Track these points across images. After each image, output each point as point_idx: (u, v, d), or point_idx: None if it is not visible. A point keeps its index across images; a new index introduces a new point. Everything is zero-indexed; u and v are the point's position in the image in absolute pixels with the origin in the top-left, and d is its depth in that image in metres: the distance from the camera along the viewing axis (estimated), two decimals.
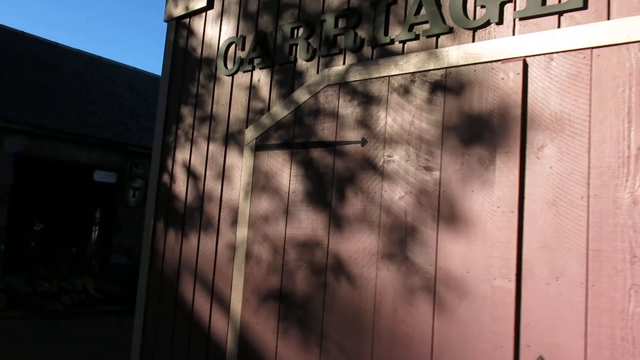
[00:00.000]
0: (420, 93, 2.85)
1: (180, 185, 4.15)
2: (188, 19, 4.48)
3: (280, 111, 3.53)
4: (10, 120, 11.05)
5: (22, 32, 15.31)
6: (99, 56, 17.31)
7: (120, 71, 17.26)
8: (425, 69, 2.83)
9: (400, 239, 2.79)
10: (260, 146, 3.58)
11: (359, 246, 2.95)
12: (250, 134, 3.68)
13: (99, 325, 8.83)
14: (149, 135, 14.15)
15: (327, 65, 3.37)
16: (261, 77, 3.76)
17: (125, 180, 13.13)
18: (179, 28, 4.54)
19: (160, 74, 4.73)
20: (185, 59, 4.41)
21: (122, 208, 13.17)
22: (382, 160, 2.94)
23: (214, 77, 4.12)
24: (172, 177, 4.25)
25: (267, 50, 3.75)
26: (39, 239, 10.98)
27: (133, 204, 13.00)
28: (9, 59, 13.23)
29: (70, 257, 11.42)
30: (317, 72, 3.41)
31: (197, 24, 4.40)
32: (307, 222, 3.21)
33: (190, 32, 4.44)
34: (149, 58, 57.03)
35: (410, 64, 2.91)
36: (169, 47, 4.56)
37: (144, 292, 4.26)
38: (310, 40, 3.49)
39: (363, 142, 3.03)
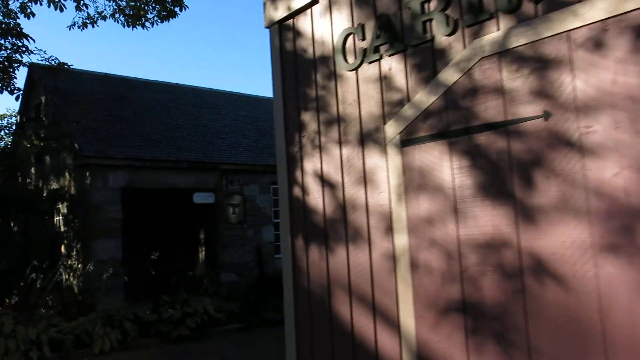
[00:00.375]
0: (619, 43, 2.32)
1: (316, 197, 3.83)
2: (292, 20, 4.17)
3: (425, 98, 3.11)
4: (113, 157, 11.44)
5: (104, 73, 15.99)
6: (176, 83, 17.76)
7: (198, 93, 17.61)
8: (623, 10, 2.29)
9: (623, 225, 2.27)
10: (406, 141, 3.17)
11: (564, 240, 2.46)
12: (391, 130, 3.28)
13: (229, 345, 8.87)
14: (237, 152, 14.25)
15: (476, 35, 2.90)
16: (392, 64, 3.35)
17: (223, 198, 13.27)
18: (283, 31, 4.24)
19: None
20: (297, 62, 4.09)
21: (223, 226, 13.31)
22: (579, 133, 2.43)
23: (333, 75, 3.77)
24: (304, 189, 3.95)
25: (394, 33, 3.34)
26: (154, 266, 11.28)
27: (234, 221, 13.10)
28: (97, 100, 13.78)
29: (185, 280, 11.64)
30: (465, 46, 2.94)
31: (303, 22, 4.07)
32: (486, 219, 2.76)
33: (297, 33, 4.12)
34: (212, 75, 58.59)
35: (597, 9, 2.38)
36: (276, 54, 4.27)
37: (292, 314, 3.99)
38: (448, 12, 3.04)
39: (546, 115, 2.54)
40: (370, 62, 3.49)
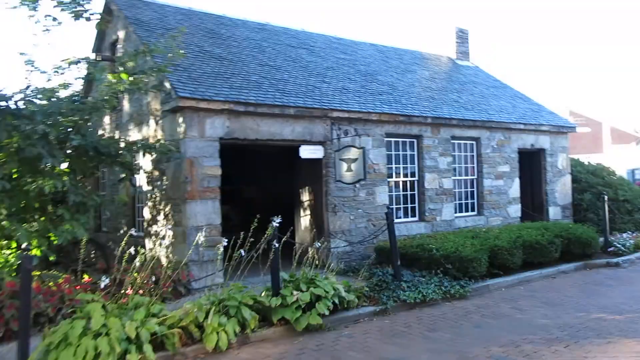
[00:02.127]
0: None
1: None
2: None
3: None
4: (211, 100, 9.32)
5: (188, 7, 13.86)
6: (265, 22, 15.45)
7: (291, 34, 15.23)
8: None
9: None
10: None
11: None
12: None
13: (375, 338, 6.72)
14: (346, 97, 11.84)
15: None
16: None
17: (334, 152, 10.98)
18: None
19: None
20: None
21: (333, 186, 11.08)
22: None
23: None
24: None
25: None
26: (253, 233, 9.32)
27: (349, 180, 10.81)
28: (186, 35, 11.66)
29: (291, 251, 9.56)
30: None
31: None
32: None
33: None
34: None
35: None
36: None
37: None
38: None
39: None
40: None
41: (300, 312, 7.12)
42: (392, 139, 12.31)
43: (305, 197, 11.87)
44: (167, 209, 9.92)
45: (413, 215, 12.83)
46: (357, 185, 11.40)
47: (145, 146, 8.92)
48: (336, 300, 7.61)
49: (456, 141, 13.54)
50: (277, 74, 11.69)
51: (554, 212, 15.84)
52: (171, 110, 9.53)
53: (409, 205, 12.79)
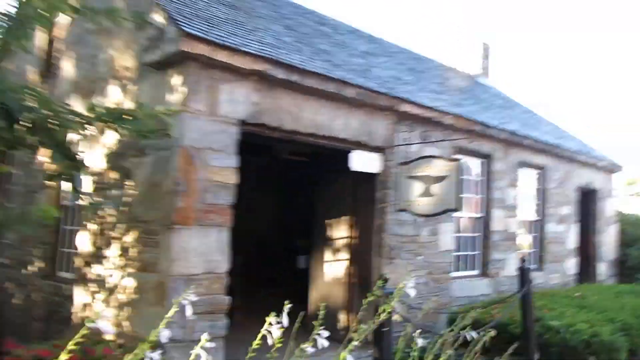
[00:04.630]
0: None
1: None
2: None
3: None
4: (234, 50, 5.25)
5: None
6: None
7: (313, 15, 11.38)
8: None
9: None
10: None
11: None
12: None
13: None
14: (409, 90, 8.08)
15: None
16: None
17: (398, 165, 7.08)
18: None
19: None
20: None
21: (392, 218, 7.19)
22: None
23: None
24: None
25: None
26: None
27: (426, 210, 6.84)
28: None
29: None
30: None
31: None
32: None
33: None
34: None
35: None
36: None
37: None
38: None
39: None
40: None
41: None
42: (461, 156, 8.63)
43: (337, 231, 7.83)
44: (128, 238, 5.55)
45: (473, 268, 9.11)
46: (420, 219, 7.56)
47: (113, 114, 4.55)
48: None
49: (521, 169, 10.08)
50: (312, 42, 7.75)
51: (601, 270, 12.75)
52: (160, 63, 5.30)
53: (468, 253, 9.07)
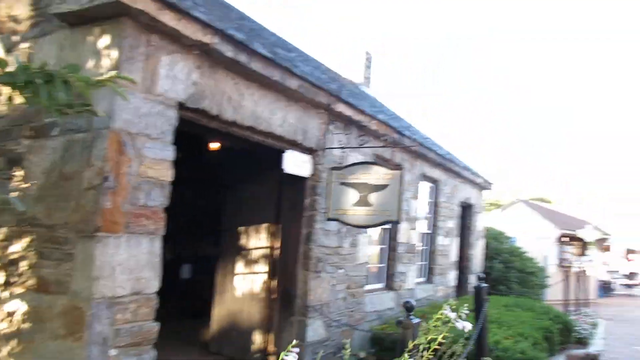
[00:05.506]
0: None
1: None
2: None
3: None
4: (181, 12, 4.19)
5: None
6: None
7: None
8: None
9: None
10: None
11: None
12: None
13: None
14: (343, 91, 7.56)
15: None
16: None
17: (330, 170, 6.47)
18: None
19: None
20: None
21: (320, 227, 6.56)
22: None
23: None
24: None
25: None
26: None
27: (363, 221, 6.28)
28: None
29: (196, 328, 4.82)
30: None
31: None
32: None
33: None
34: None
35: None
36: None
37: None
38: None
39: None
40: None
41: None
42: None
43: (255, 240, 6.95)
44: (16, 247, 4.12)
45: (378, 281, 8.84)
46: (343, 229, 7.04)
47: (28, 74, 3.23)
48: None
49: (422, 181, 10.15)
50: (264, 31, 6.82)
51: (472, 282, 13.51)
52: (78, 15, 4.02)
53: (375, 265, 8.79)
